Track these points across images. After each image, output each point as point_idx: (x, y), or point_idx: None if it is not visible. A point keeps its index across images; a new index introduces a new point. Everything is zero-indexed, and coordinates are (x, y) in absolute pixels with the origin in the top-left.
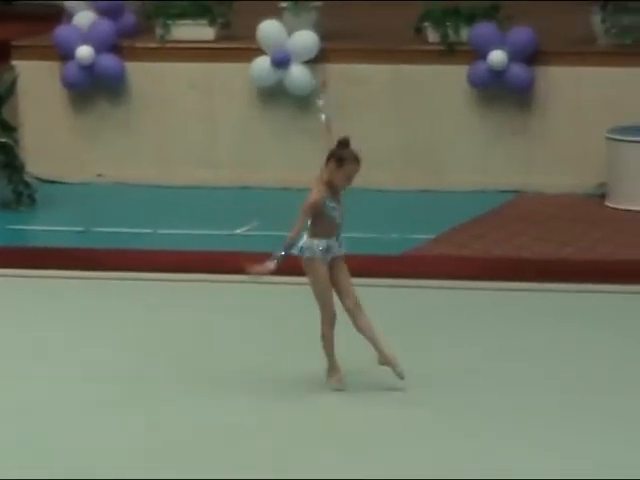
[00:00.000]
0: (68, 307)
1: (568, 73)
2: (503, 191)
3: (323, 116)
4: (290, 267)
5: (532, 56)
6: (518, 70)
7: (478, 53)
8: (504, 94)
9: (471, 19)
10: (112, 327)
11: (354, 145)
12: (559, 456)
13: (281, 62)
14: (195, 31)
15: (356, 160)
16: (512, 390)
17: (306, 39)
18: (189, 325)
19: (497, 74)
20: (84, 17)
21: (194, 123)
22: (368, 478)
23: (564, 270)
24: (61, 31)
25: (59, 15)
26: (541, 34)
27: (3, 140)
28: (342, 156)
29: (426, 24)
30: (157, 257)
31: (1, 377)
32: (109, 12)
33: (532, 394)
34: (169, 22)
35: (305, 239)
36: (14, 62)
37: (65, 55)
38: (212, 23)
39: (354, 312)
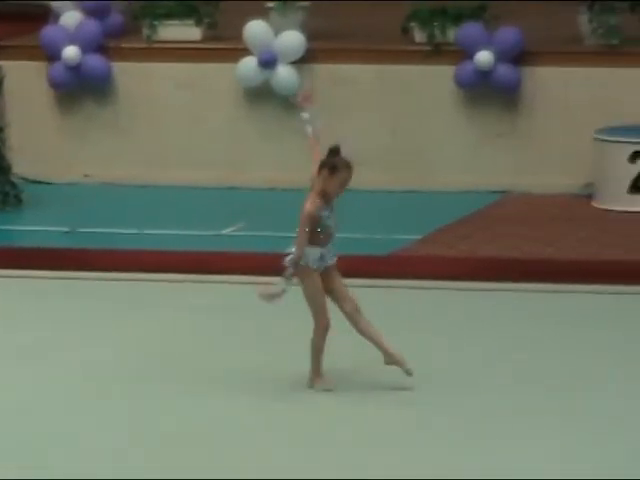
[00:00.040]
0: (54, 307)
1: (555, 73)
2: (490, 191)
3: (309, 128)
4: (279, 268)
5: (519, 56)
6: (505, 70)
7: (465, 53)
8: (491, 94)
9: (458, 19)
10: (99, 327)
11: (341, 142)
12: (559, 456)
13: (268, 62)
14: (182, 31)
15: (348, 167)
16: (507, 390)
17: (293, 39)
18: (178, 325)
19: (484, 74)
20: (71, 17)
21: (181, 123)
22: (368, 478)
23: (550, 270)
24: (48, 31)
25: (46, 15)
26: (528, 34)
27: None
28: (334, 164)
29: (413, 24)
30: (144, 257)
31: None
32: (96, 12)
33: (526, 394)
34: (156, 22)
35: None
36: (0, 62)
37: (52, 55)
38: (199, 23)
39: (354, 316)
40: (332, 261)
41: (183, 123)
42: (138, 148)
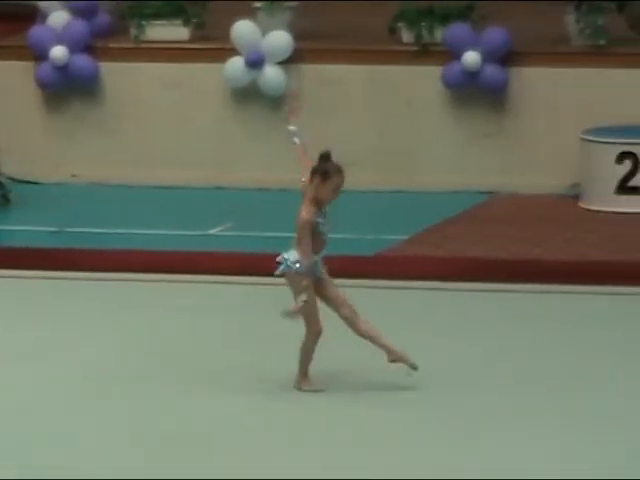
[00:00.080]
0: (41, 307)
1: (542, 74)
2: (477, 192)
3: (296, 140)
4: (266, 268)
5: (506, 57)
6: (492, 71)
7: (452, 54)
8: (478, 95)
9: (445, 19)
10: (88, 327)
11: (329, 146)
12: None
13: (255, 62)
14: (169, 31)
15: (340, 172)
16: (507, 390)
17: (280, 39)
18: (167, 325)
19: (471, 75)
20: (58, 17)
21: (168, 123)
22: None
23: (538, 271)
24: (35, 31)
25: (33, 15)
26: (515, 35)
27: None
28: (326, 170)
29: (400, 24)
30: (131, 257)
31: None
32: (83, 12)
33: (526, 394)
34: (143, 22)
35: (294, 254)
36: None
37: (39, 55)
38: (186, 23)
39: (352, 319)
40: (322, 271)
41: (170, 123)
42: (125, 148)
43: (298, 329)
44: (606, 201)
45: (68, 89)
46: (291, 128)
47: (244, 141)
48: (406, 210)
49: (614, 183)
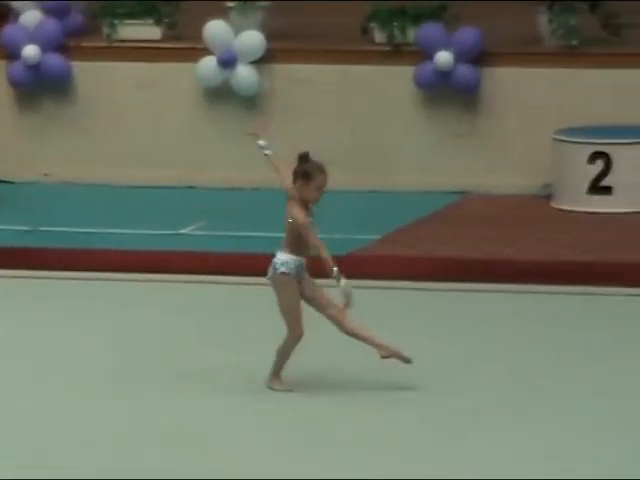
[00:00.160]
0: (12, 307)
1: (515, 74)
2: (450, 192)
3: (268, 152)
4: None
5: (479, 57)
6: (465, 71)
7: (425, 54)
8: (451, 95)
9: (418, 19)
10: (59, 327)
11: (302, 146)
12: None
13: (227, 62)
14: (142, 31)
15: (322, 170)
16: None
17: (253, 39)
18: (143, 325)
19: (444, 75)
20: (31, 16)
21: (140, 122)
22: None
23: (510, 271)
24: (7, 30)
25: (6, 14)
26: (488, 35)
27: None
28: (307, 170)
29: (373, 24)
30: (103, 257)
31: None
32: (56, 12)
33: (505, 393)
34: (116, 22)
35: (283, 254)
36: None
37: (11, 54)
38: (158, 23)
39: (339, 318)
40: (306, 274)
41: (143, 122)
42: (98, 147)
43: (284, 329)
44: (578, 201)
45: (40, 88)
46: (260, 142)
47: (217, 140)
48: (379, 210)
49: (586, 183)
